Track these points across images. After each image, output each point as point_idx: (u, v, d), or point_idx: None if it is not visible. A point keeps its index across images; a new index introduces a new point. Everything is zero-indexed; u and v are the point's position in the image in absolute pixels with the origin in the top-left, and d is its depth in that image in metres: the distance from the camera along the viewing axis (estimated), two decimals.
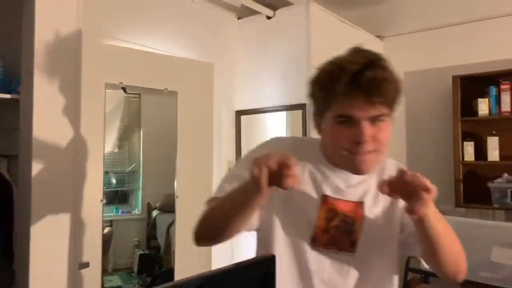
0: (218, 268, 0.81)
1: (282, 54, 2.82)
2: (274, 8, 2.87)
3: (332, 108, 0.93)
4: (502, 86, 2.87)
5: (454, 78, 2.97)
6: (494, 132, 2.95)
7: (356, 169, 0.96)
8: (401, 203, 1.01)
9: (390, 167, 1.09)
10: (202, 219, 1.00)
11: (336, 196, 1.02)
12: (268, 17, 2.87)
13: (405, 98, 3.17)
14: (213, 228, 0.98)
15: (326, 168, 1.03)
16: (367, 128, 0.91)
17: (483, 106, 2.92)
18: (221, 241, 0.98)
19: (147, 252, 4.42)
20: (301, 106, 2.73)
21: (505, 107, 2.85)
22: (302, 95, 2.74)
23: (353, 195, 1.03)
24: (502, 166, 2.90)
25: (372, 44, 3.35)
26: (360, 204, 1.03)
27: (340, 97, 0.90)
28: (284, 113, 2.86)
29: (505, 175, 2.86)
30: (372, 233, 1.02)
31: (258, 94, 2.92)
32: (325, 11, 2.87)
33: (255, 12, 2.87)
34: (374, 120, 0.92)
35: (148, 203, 4.64)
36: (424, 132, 3.32)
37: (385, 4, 3.46)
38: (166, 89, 2.29)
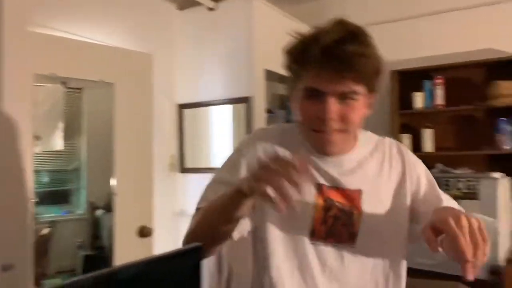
0: (144, 258, 0.78)
1: (224, 47, 2.79)
2: None
3: (302, 81, 0.87)
4: (436, 81, 3.00)
5: (392, 72, 3.08)
6: (428, 124, 3.09)
7: (322, 149, 0.91)
8: (408, 187, 0.97)
9: (389, 149, 1.02)
10: (190, 232, 0.94)
11: (331, 185, 0.95)
12: (210, 9, 2.83)
13: None
14: (202, 240, 0.90)
15: (314, 156, 0.96)
16: (333, 104, 0.85)
17: (418, 100, 3.04)
18: (213, 251, 0.93)
19: (91, 252, 4.26)
20: (245, 100, 2.72)
21: (439, 101, 2.99)
22: (245, 88, 2.73)
23: (349, 183, 0.95)
24: (436, 156, 3.04)
25: None
26: (358, 192, 0.95)
27: (310, 68, 0.84)
28: (230, 107, 2.84)
29: (439, 165, 3.00)
30: (374, 221, 0.95)
31: (201, 87, 2.88)
32: (268, 5, 2.87)
33: (196, 4, 2.82)
34: (344, 97, 0.86)
35: (91, 202, 4.47)
36: (363, 125, 3.41)
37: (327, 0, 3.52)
38: (101, 80, 2.19)
